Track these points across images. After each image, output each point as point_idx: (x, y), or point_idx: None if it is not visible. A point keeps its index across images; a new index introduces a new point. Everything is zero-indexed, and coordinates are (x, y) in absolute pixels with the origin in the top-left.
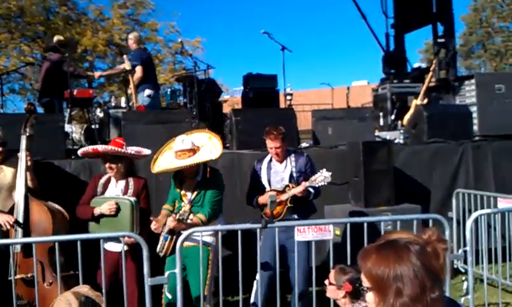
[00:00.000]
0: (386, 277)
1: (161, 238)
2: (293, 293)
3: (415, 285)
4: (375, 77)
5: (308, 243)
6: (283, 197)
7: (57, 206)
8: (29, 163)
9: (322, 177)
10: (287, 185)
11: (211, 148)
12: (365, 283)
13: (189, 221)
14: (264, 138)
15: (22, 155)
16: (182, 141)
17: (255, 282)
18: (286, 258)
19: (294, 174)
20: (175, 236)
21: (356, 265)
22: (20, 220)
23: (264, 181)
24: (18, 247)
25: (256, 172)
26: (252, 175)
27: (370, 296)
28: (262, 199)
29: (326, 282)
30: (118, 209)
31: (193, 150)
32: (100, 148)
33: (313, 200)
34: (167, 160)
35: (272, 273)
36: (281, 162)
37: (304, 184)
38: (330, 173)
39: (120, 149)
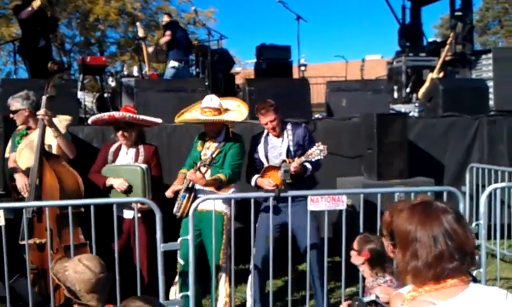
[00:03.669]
0: (408, 235)
1: (178, 198)
2: (308, 264)
3: (431, 252)
4: (388, 52)
5: (315, 215)
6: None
7: (72, 172)
8: (46, 123)
9: (317, 151)
10: (284, 161)
11: (237, 114)
12: (395, 237)
13: (208, 177)
14: (256, 115)
15: (39, 116)
16: (211, 99)
17: (251, 258)
18: (292, 234)
19: (292, 148)
20: (192, 196)
21: (378, 237)
22: (33, 184)
23: (262, 157)
24: (30, 212)
25: (253, 148)
26: (249, 152)
27: (396, 251)
28: (261, 181)
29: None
30: (130, 187)
31: (219, 110)
32: (117, 114)
33: (322, 173)
34: (193, 115)
35: (268, 251)
36: (278, 136)
37: (298, 160)
38: (325, 146)
39: (137, 115)
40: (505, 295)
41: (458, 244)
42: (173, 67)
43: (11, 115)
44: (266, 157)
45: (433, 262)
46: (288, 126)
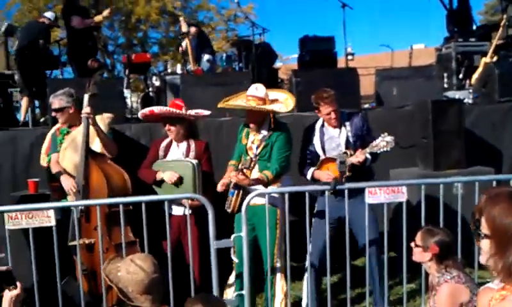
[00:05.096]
0: (511, 231)
1: (228, 195)
2: (367, 259)
3: None
4: (432, 41)
5: (372, 208)
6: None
7: (119, 169)
8: (90, 122)
9: (384, 142)
10: (345, 152)
11: (281, 106)
12: (484, 228)
13: (254, 176)
14: (316, 104)
15: (82, 115)
16: (256, 88)
17: (307, 255)
18: (350, 227)
19: (351, 139)
20: (241, 191)
21: (443, 228)
22: (80, 184)
23: (318, 149)
24: (78, 212)
25: (307, 140)
26: (303, 144)
27: (485, 243)
28: (319, 174)
29: (412, 244)
30: (180, 179)
31: (264, 100)
32: (156, 109)
33: (373, 164)
34: (237, 102)
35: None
36: (335, 126)
37: (364, 151)
38: (393, 138)
39: (176, 110)
40: None
41: None
42: (208, 60)
43: (53, 114)
44: (323, 148)
45: None
46: (345, 117)
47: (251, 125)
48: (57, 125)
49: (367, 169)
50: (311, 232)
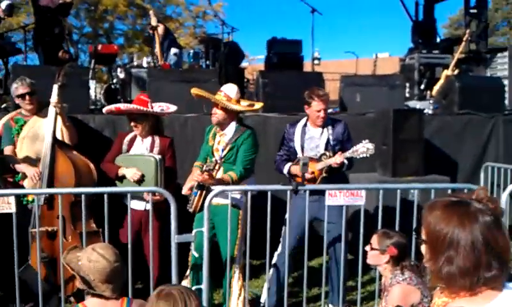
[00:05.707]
0: (442, 238)
1: (191, 195)
2: (331, 261)
3: (469, 259)
4: (396, 50)
5: (342, 212)
6: (319, 166)
7: (84, 159)
8: (58, 111)
9: (364, 149)
10: (324, 154)
11: (241, 107)
12: (423, 234)
13: (219, 176)
14: (310, 99)
15: (51, 104)
16: (229, 87)
17: (275, 254)
18: (320, 229)
19: (331, 142)
20: (204, 192)
21: (397, 231)
22: (46, 171)
23: (297, 146)
24: (42, 199)
25: (288, 136)
26: (283, 139)
27: (423, 248)
28: (295, 169)
29: (367, 248)
30: (142, 177)
31: (230, 99)
32: (123, 106)
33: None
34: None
35: (297, 243)
36: (320, 127)
37: (343, 155)
38: (373, 145)
39: (142, 108)
40: None
41: (497, 251)
42: (175, 54)
43: (27, 98)
44: (302, 147)
45: (470, 270)
46: (329, 121)
47: (213, 117)
48: (10, 115)
49: (342, 174)
50: (283, 232)
